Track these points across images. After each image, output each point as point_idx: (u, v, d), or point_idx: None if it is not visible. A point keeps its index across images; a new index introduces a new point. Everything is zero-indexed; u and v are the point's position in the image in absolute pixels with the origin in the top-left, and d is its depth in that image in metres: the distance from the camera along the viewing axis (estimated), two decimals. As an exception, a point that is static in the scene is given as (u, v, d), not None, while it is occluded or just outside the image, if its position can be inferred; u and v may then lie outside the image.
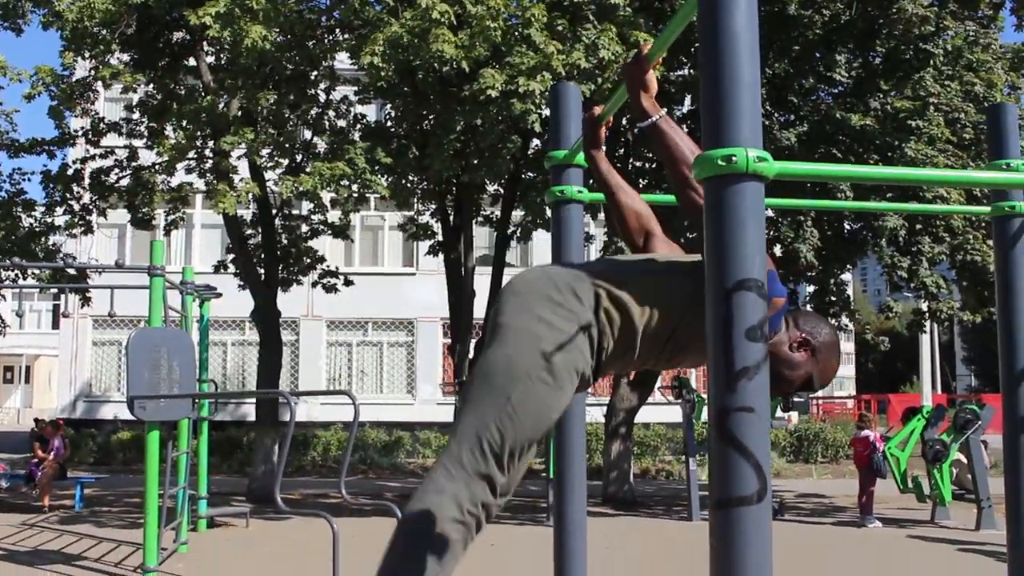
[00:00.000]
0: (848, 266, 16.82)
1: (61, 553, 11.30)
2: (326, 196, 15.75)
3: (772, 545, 1.81)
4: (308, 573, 9.90)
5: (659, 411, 24.17)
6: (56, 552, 11.38)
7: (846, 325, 17.90)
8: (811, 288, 17.04)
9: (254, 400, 18.60)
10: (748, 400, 1.78)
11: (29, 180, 18.88)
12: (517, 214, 17.91)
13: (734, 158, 1.93)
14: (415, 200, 17.74)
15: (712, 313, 1.85)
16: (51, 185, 17.02)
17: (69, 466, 17.39)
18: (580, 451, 3.85)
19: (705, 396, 15.31)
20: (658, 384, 18.07)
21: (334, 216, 18.50)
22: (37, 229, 17.56)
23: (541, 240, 23.98)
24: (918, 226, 14.48)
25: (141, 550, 9.97)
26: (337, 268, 19.36)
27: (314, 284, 18.94)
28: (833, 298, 16.74)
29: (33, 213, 18.00)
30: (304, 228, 18.26)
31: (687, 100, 16.16)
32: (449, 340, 20.43)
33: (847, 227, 16.00)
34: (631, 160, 16.75)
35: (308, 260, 17.94)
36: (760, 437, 1.79)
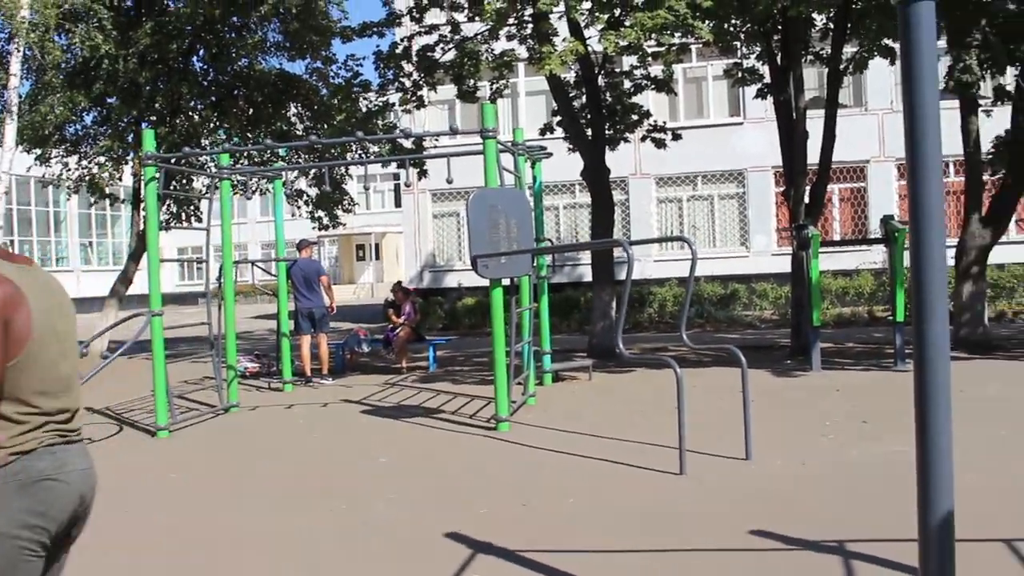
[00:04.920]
0: None
1: (420, 407, 12.07)
2: (648, 49, 15.47)
3: None
4: (653, 420, 10.05)
5: (1015, 250, 22.55)
6: (416, 407, 12.17)
7: None
8: None
9: (590, 261, 18.88)
10: None
11: (362, 65, 19.88)
12: (849, 49, 16.91)
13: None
14: (739, 44, 17.09)
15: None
16: (382, 65, 17.76)
17: (421, 331, 18.45)
18: (941, 283, 3.56)
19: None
20: (1015, 218, 16.74)
21: (656, 70, 18.22)
22: (374, 109, 18.47)
23: (876, 73, 22.64)
24: None
25: (493, 403, 10.48)
26: (665, 123, 19.12)
27: (642, 139, 18.80)
28: None
29: (368, 95, 18.93)
30: (627, 84, 18.10)
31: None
32: (782, 188, 19.82)
33: None
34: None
35: (634, 116, 17.79)
36: None
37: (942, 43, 15.23)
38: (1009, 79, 15.94)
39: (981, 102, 15.94)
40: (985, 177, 16.79)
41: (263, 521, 6.93)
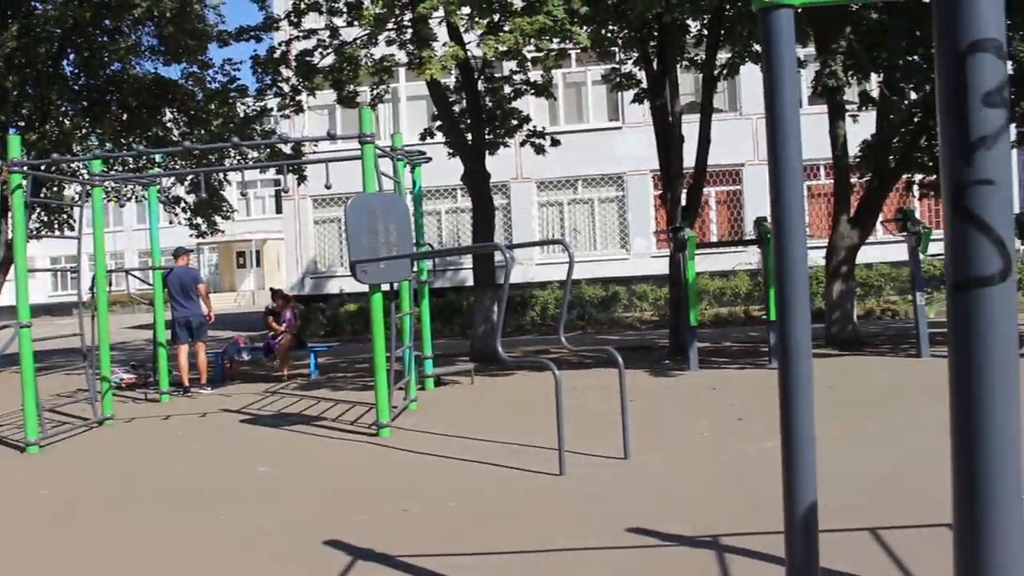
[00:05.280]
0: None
1: (301, 415, 11.94)
2: (527, 54, 15.60)
3: (1015, 328, 1.64)
4: (534, 422, 10.11)
5: (882, 250, 23.34)
6: (297, 414, 12.03)
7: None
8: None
9: (472, 265, 18.96)
10: (988, 172, 1.60)
11: (239, 69, 19.61)
12: (723, 55, 17.30)
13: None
14: (617, 49, 17.35)
15: (944, 80, 1.68)
16: (260, 70, 17.54)
17: (303, 338, 18.24)
18: (803, 286, 3.68)
19: (931, 227, 14.61)
20: (880, 218, 17.34)
21: (536, 75, 18.36)
22: (252, 114, 18.23)
23: (750, 78, 23.21)
24: None
25: (374, 409, 10.43)
26: (543, 128, 19.27)
27: (522, 144, 18.95)
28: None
29: (246, 100, 18.67)
30: (507, 89, 18.20)
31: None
32: (660, 191, 20.16)
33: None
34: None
35: (514, 121, 17.90)
36: (1002, 211, 1.60)
37: (811, 49, 15.72)
38: (874, 85, 16.49)
39: (848, 107, 16.47)
40: (853, 180, 17.35)
41: (139, 535, 6.77)
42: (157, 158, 18.17)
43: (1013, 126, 15.83)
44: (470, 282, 19.92)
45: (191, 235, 22.21)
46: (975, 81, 1.62)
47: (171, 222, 22.00)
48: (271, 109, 18.70)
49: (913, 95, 15.38)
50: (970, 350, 1.65)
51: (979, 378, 1.63)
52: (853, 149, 16.72)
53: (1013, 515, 1.68)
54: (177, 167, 20.27)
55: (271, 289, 18.50)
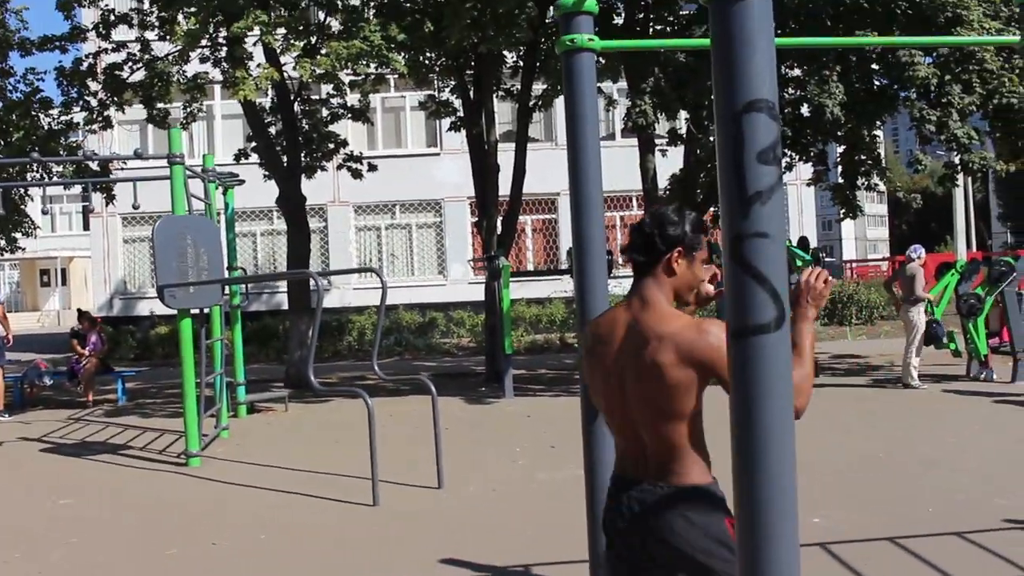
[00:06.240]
0: (879, 122, 16.31)
1: (106, 444, 11.51)
2: (345, 78, 15.53)
3: (791, 374, 1.75)
4: (348, 451, 10.03)
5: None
6: (102, 443, 11.60)
7: (876, 185, 17.52)
8: (840, 148, 16.67)
9: (287, 289, 18.67)
10: (762, 225, 1.71)
11: (43, 80, 18.79)
12: (539, 87, 17.62)
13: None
14: (434, 76, 17.46)
15: (723, 137, 1.78)
16: (65, 82, 16.91)
17: (111, 362, 17.59)
18: (603, 309, 3.79)
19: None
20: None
21: (353, 99, 18.29)
22: (57, 128, 17.52)
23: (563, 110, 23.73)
24: (948, 76, 14.01)
25: (184, 437, 10.15)
26: (360, 153, 19.20)
27: (338, 167, 18.83)
28: (863, 156, 16.37)
29: (51, 112, 17.94)
30: (324, 112, 18.07)
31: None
32: (477, 219, 20.36)
33: (876, 82, 15.55)
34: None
35: (330, 145, 17.77)
36: (776, 262, 1.71)
37: (624, 84, 16.18)
38: (681, 123, 17.08)
39: (658, 142, 16.99)
40: (662, 211, 17.86)
41: (-80, 575, 6.40)
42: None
43: (809, 165, 16.70)
44: (286, 306, 19.61)
45: (-10, 251, 21.18)
46: (750, 139, 1.73)
47: (-34, 238, 20.93)
48: (78, 123, 18.02)
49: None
50: (749, 392, 1.75)
51: (758, 416, 1.74)
52: (663, 182, 17.24)
53: (790, 541, 1.78)
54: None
55: (79, 311, 17.77)
